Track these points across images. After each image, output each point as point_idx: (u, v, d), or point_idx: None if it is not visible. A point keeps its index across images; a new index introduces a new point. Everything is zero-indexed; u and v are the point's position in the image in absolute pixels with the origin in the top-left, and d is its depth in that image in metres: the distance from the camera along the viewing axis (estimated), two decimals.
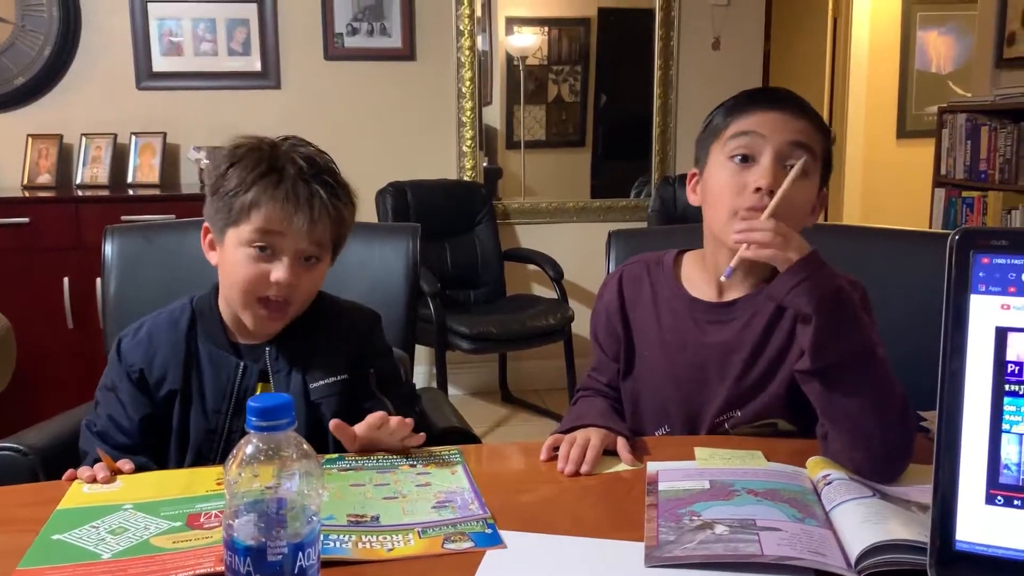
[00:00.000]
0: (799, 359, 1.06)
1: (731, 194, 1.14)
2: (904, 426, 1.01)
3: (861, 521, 0.86)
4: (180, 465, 1.21)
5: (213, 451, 1.21)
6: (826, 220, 5.36)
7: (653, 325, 1.26)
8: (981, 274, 0.75)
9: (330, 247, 1.23)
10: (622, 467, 1.10)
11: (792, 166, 1.11)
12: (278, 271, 1.16)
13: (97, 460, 1.10)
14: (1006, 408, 0.74)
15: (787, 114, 1.14)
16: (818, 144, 1.15)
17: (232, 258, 1.18)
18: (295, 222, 1.15)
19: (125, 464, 1.09)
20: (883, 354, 1.03)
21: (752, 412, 1.20)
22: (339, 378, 1.24)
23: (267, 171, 1.16)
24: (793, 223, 1.08)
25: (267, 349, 1.23)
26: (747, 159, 1.14)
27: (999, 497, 0.74)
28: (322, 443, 1.17)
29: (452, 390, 3.73)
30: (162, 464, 1.21)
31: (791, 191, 1.09)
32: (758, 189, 1.11)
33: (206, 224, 1.23)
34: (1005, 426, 0.74)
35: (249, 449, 0.70)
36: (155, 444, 1.22)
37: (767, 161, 1.12)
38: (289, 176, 1.16)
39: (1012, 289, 0.74)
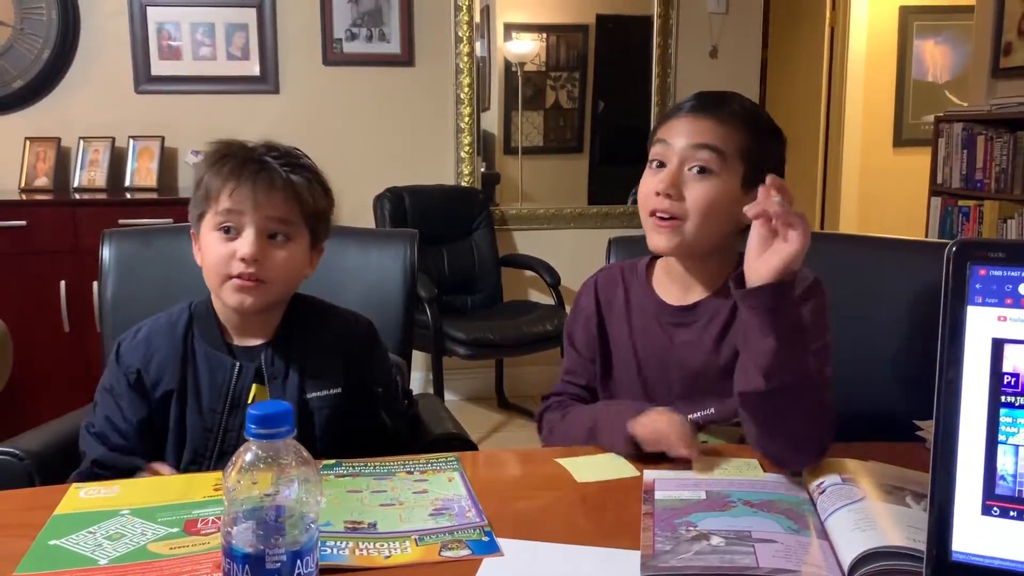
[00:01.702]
0: (743, 381, 1.08)
1: (643, 198, 1.24)
2: (828, 431, 1.07)
3: (851, 528, 0.87)
4: (177, 464, 1.22)
5: (209, 449, 1.22)
6: (823, 228, 5.38)
7: (625, 328, 1.31)
8: (978, 286, 0.75)
9: (302, 226, 1.22)
10: (618, 475, 1.10)
11: (695, 168, 1.19)
12: (242, 247, 1.18)
13: (97, 462, 1.16)
14: (1002, 419, 0.74)
15: (693, 118, 1.22)
16: (727, 141, 1.20)
17: (204, 244, 1.22)
18: (243, 192, 1.17)
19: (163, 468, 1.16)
20: (826, 374, 1.11)
21: (724, 411, 1.24)
22: (333, 391, 1.25)
23: (221, 157, 1.21)
24: (712, 223, 1.17)
25: (263, 354, 1.24)
26: (662, 165, 1.22)
27: (995, 508, 0.74)
28: (311, 450, 1.17)
29: (448, 396, 3.73)
30: None
31: (696, 196, 1.18)
32: (658, 193, 1.20)
33: (192, 230, 1.26)
34: (1001, 437, 0.74)
35: (248, 456, 0.70)
36: (152, 446, 1.23)
37: (670, 166, 1.21)
38: (239, 156, 1.20)
39: (1009, 301, 0.75)
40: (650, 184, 1.22)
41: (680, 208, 1.19)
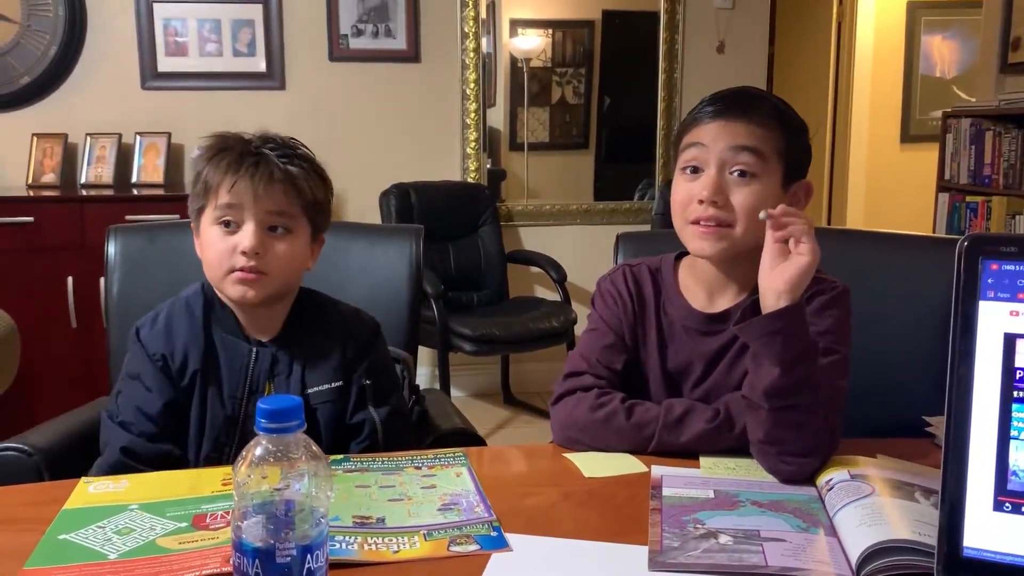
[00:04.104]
0: (748, 388, 1.08)
1: (681, 206, 1.19)
2: (831, 445, 1.07)
3: (858, 524, 0.86)
4: (199, 452, 1.23)
5: (231, 437, 1.23)
6: (830, 224, 5.37)
7: (653, 329, 1.28)
8: (990, 280, 0.75)
9: (302, 217, 1.23)
10: (625, 471, 1.10)
11: (736, 172, 1.15)
12: (243, 240, 1.18)
13: (126, 450, 1.17)
14: (1014, 415, 0.74)
15: (728, 120, 1.17)
16: (766, 142, 1.17)
17: (205, 240, 1.22)
18: (242, 186, 1.17)
19: None
20: (839, 388, 1.11)
21: None
22: (334, 385, 1.25)
23: (219, 151, 1.21)
24: (759, 226, 1.10)
25: (270, 350, 1.24)
26: (697, 170, 1.18)
27: (1007, 504, 0.74)
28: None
29: (454, 392, 3.73)
30: (183, 452, 1.22)
31: (742, 200, 1.15)
32: (702, 201, 1.15)
33: (192, 224, 1.26)
34: (1013, 433, 0.74)
35: (258, 451, 0.70)
36: (179, 434, 1.23)
37: (711, 172, 1.16)
38: (237, 149, 1.20)
39: (1021, 296, 0.74)
40: (690, 191, 1.18)
41: (727, 215, 1.15)
